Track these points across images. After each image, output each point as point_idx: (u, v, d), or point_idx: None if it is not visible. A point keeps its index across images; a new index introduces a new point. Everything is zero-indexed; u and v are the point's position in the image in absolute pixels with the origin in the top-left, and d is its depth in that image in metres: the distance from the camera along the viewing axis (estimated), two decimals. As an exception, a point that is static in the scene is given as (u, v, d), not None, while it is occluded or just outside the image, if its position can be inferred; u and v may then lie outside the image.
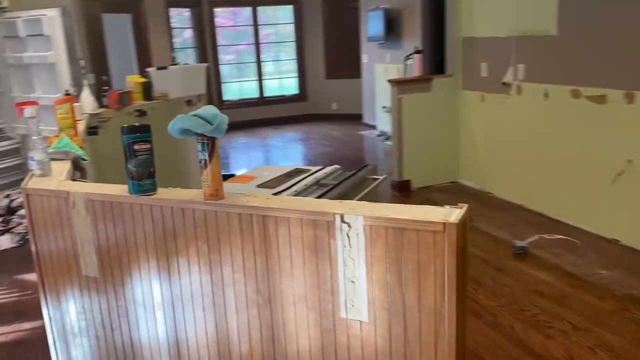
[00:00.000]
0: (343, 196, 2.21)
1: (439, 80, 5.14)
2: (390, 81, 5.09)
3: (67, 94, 2.85)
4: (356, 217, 1.33)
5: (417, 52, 5.16)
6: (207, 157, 1.49)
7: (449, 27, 5.12)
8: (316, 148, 7.84)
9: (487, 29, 4.73)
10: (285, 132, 9.21)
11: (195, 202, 1.53)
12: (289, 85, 10.39)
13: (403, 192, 5.16)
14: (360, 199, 2.31)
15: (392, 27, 7.58)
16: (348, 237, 1.36)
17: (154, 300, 1.68)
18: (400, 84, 5.05)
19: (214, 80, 9.66)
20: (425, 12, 6.44)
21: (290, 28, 10.15)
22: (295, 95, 10.34)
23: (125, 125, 1.60)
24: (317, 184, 2.30)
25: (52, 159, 2.19)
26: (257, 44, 9.98)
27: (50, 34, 4.84)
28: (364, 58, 8.94)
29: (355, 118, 9.53)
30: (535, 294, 3.10)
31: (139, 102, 4.43)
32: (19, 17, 5.00)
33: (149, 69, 4.80)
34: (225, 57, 10.09)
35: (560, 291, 3.11)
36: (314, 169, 2.53)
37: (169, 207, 1.58)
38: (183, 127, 1.46)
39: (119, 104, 4.16)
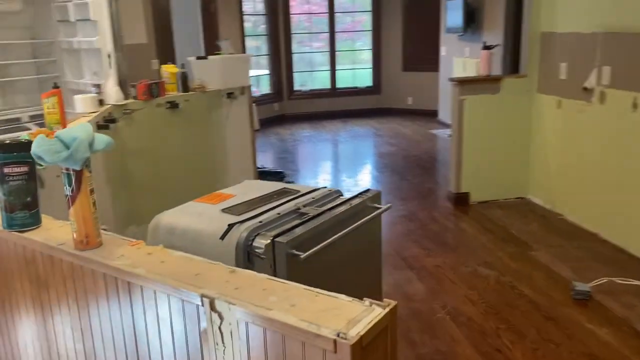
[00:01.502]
0: (324, 231, 1.77)
1: (510, 81, 4.46)
2: (451, 80, 4.49)
3: (55, 87, 2.63)
4: (229, 307, 0.90)
5: (487, 47, 4.50)
6: (69, 193, 1.12)
7: (527, 19, 4.41)
8: (379, 147, 7.32)
9: (570, 23, 3.99)
10: (353, 126, 8.75)
11: (63, 249, 1.16)
12: (363, 77, 9.89)
13: (459, 206, 4.56)
14: (351, 233, 1.85)
15: (472, 18, 6.86)
16: (220, 332, 0.93)
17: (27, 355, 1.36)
18: (463, 83, 4.44)
19: (285, 70, 9.39)
20: (508, 1, 5.70)
21: (368, 16, 9.63)
22: (368, 87, 9.83)
23: (-2, 142, 1.26)
24: (297, 211, 1.88)
25: None
26: (331, 32, 9.56)
27: (97, 19, 4.71)
28: (443, 51, 8.25)
29: (430, 115, 8.88)
30: (588, 358, 2.47)
31: (173, 94, 4.19)
32: (70, 1, 4.94)
33: (188, 58, 4.55)
34: (298, 45, 9.77)
35: (623, 359, 2.47)
36: (304, 189, 2.10)
37: (38, 251, 1.23)
38: (35, 152, 1.09)
39: (148, 95, 3.93)
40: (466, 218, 4.32)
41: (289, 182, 5.42)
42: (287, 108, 9.51)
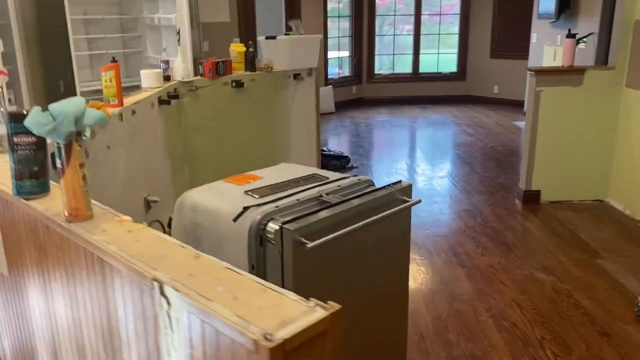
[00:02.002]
0: (342, 221, 1.71)
1: (595, 73, 4.09)
2: (529, 69, 4.20)
3: (114, 61, 2.73)
4: (175, 293, 0.88)
5: (571, 35, 4.15)
6: (59, 166, 1.15)
7: (620, 5, 4.02)
8: (455, 136, 7.05)
9: (668, 11, 3.59)
10: (432, 113, 8.49)
11: (55, 220, 1.20)
12: (448, 62, 9.54)
13: (528, 204, 4.30)
14: (373, 225, 1.79)
15: (567, 3, 6.36)
16: (169, 317, 0.92)
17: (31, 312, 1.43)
18: (541, 73, 4.14)
19: (366, 52, 9.26)
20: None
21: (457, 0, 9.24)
22: (453, 73, 9.48)
23: (10, 111, 1.32)
24: (318, 199, 1.83)
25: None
26: (417, 15, 9.28)
27: (175, -4, 4.86)
28: (533, 38, 7.75)
29: (516, 105, 8.44)
30: (641, 383, 2.25)
31: (240, 73, 4.25)
32: (152, -21, 5.14)
33: (258, 38, 4.59)
34: (382, 27, 9.58)
35: (682, 388, 2.22)
36: (334, 176, 2.04)
37: (39, 219, 1.27)
38: (26, 124, 1.12)
39: (214, 72, 4.01)
40: (533, 218, 4.06)
41: (352, 168, 5.37)
42: (365, 91, 9.40)
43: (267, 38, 4.53)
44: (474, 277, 3.15)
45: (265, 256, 1.68)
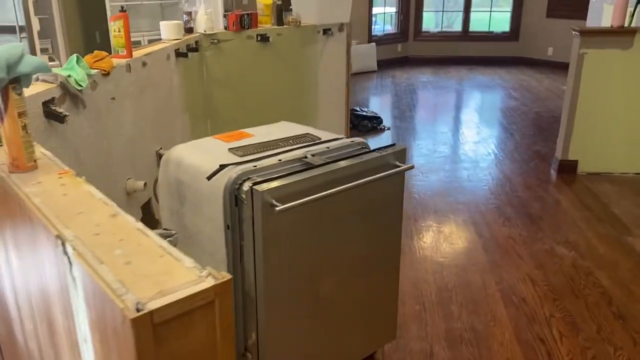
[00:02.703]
0: (324, 184, 1.63)
1: (648, 35, 3.75)
2: (574, 29, 3.88)
3: (122, 10, 2.68)
4: (73, 252, 0.84)
5: (624, -8, 3.78)
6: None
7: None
8: (499, 99, 6.73)
9: None
10: (479, 74, 8.13)
11: (0, 171, 1.18)
12: (500, 21, 9.05)
13: (563, 175, 4.06)
14: (358, 191, 1.70)
15: (632, -43, 5.82)
16: (72, 277, 0.88)
17: None
18: (586, 34, 3.82)
19: (413, 8, 8.88)
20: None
21: (514, -47, 8.66)
22: (505, 33, 9.00)
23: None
24: (301, 160, 1.74)
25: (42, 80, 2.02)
26: (470, -30, 8.78)
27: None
28: (594, -5, 7.18)
29: (570, 69, 7.93)
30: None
31: (266, 26, 4.14)
32: None
33: (288, -10, 4.43)
34: (432, -18, 9.16)
35: None
36: (328, 137, 1.94)
37: (-11, 168, 1.26)
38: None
39: (238, 26, 3.92)
40: (565, 189, 3.83)
41: (384, 129, 5.23)
42: (411, 50, 9.07)
43: (297, -10, 4.37)
44: (490, 248, 3.02)
45: (240, 216, 1.63)
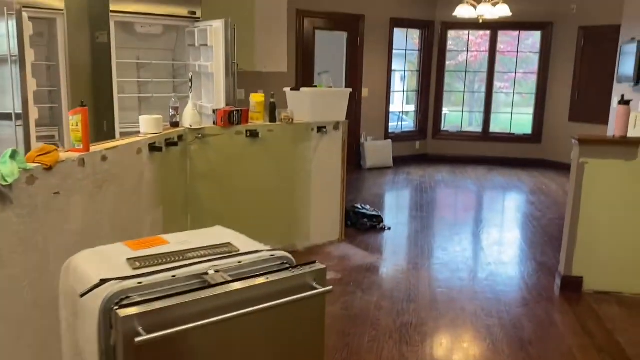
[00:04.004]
0: (218, 308, 1.43)
1: (653, 146, 3.51)
2: (573, 137, 3.69)
3: (82, 105, 2.66)
4: None
5: (624, 102, 3.60)
6: None
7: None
8: (513, 202, 6.45)
9: None
10: (498, 176, 7.90)
11: None
12: (522, 123, 8.94)
13: (566, 292, 3.70)
14: (266, 316, 1.48)
15: (647, 66, 5.71)
16: None
17: None
18: (586, 143, 3.61)
19: (433, 107, 8.91)
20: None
21: (534, 57, 8.70)
22: (527, 135, 8.85)
23: None
24: (200, 276, 1.55)
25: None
26: (490, 72, 8.82)
27: (213, 44, 4.89)
28: (614, 102, 7.02)
29: (593, 174, 7.62)
30: None
31: (257, 122, 4.12)
32: (196, 28, 5.22)
33: (284, 89, 4.45)
34: (451, 83, 9.23)
35: None
36: (248, 248, 1.74)
37: None
38: None
39: (226, 121, 3.90)
40: (567, 309, 3.47)
41: (383, 229, 5.01)
42: (429, 148, 9.00)
43: (291, 89, 4.39)
44: (466, 376, 2.67)
45: (114, 342, 1.43)
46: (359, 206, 5.34)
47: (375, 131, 8.30)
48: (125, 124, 5.44)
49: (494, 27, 8.45)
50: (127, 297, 1.43)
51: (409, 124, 9.14)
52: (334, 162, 4.50)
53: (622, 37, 6.61)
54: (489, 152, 8.82)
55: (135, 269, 1.58)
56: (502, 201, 6.66)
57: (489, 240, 4.92)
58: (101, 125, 5.61)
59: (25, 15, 4.13)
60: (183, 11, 5.51)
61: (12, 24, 4.03)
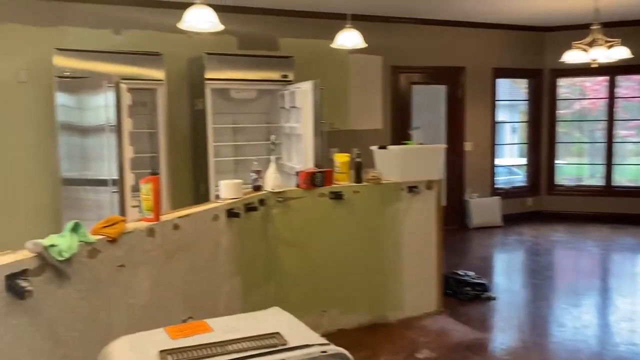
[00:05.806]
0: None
1: None
2: None
3: (154, 173, 2.60)
4: None
5: None
6: None
7: None
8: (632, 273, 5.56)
9: None
10: (625, 235, 6.97)
11: None
12: (652, 175, 7.93)
13: None
14: None
15: None
16: None
17: None
18: None
19: (545, 160, 8.20)
20: None
21: (662, 101, 7.77)
22: (659, 188, 7.80)
23: None
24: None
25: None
26: (610, 120, 7.98)
27: (301, 106, 4.84)
28: None
29: None
30: None
31: (343, 183, 3.91)
32: (286, 90, 5.23)
33: (372, 147, 4.22)
34: (569, 132, 8.49)
35: None
36: (298, 342, 1.48)
37: None
38: None
39: (309, 184, 3.74)
40: None
41: (489, 299, 4.49)
42: (543, 204, 8.22)
43: (379, 148, 4.15)
44: None
45: None
46: (461, 272, 4.86)
47: (481, 187, 7.75)
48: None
49: (612, 71, 7.69)
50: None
51: (519, 179, 8.47)
52: (428, 223, 4.13)
53: None
54: (613, 208, 7.86)
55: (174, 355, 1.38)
56: (631, 266, 5.79)
57: (616, 315, 4.20)
58: (198, 189, 5.73)
59: (123, 86, 4.34)
60: (276, 75, 5.58)
61: (111, 95, 4.25)
